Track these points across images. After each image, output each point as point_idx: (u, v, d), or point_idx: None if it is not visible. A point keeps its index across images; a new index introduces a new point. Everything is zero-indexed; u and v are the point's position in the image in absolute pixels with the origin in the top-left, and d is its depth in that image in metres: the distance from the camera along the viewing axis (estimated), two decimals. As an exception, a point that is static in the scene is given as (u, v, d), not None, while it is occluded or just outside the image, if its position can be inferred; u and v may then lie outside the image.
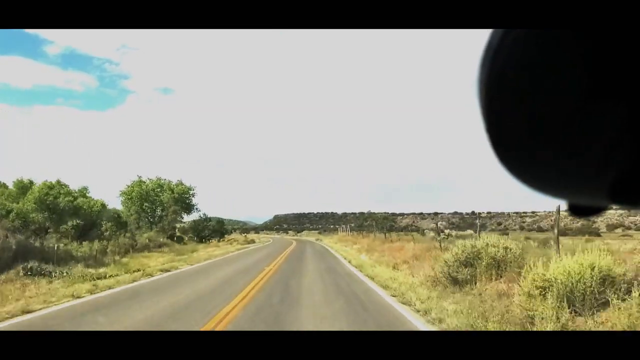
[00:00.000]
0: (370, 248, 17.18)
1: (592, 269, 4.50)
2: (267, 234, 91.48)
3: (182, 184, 32.30)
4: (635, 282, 4.30)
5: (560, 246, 6.12)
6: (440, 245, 10.61)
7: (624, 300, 4.05)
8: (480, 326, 4.24)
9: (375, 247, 17.12)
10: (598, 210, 0.38)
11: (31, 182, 17.95)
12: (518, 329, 4.21)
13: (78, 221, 16.09)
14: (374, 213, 47.33)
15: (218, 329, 4.62)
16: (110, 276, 9.12)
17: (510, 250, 6.73)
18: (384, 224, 36.37)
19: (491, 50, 0.31)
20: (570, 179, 0.35)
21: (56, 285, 7.66)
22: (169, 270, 11.26)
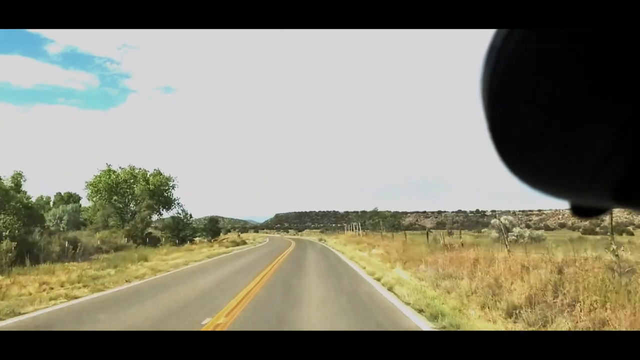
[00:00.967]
0: (406, 257, 10.57)
1: None
2: (267, 233, 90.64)
3: (160, 173, 26.90)
4: None
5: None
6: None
7: None
8: None
9: (412, 254, 10.62)
10: (601, 211, 0.39)
11: None
12: None
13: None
14: (379, 211, 43.87)
15: None
16: None
17: None
18: (391, 222, 34.14)
19: (494, 49, 0.31)
20: (573, 179, 0.35)
21: None
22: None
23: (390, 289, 7.10)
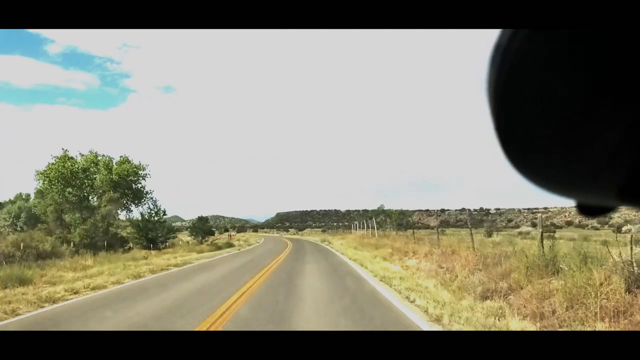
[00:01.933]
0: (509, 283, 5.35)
1: None
2: (266, 232, 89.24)
3: (127, 161, 22.23)
4: None
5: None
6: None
7: None
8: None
9: (501, 273, 5.77)
10: (606, 210, 0.40)
11: None
12: None
13: None
14: (385, 209, 40.45)
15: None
16: None
17: None
18: (399, 220, 30.57)
19: (500, 49, 0.31)
20: (578, 178, 0.35)
21: None
22: None
23: None
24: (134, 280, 9.60)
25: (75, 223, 19.27)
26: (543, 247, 6.20)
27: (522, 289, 5.49)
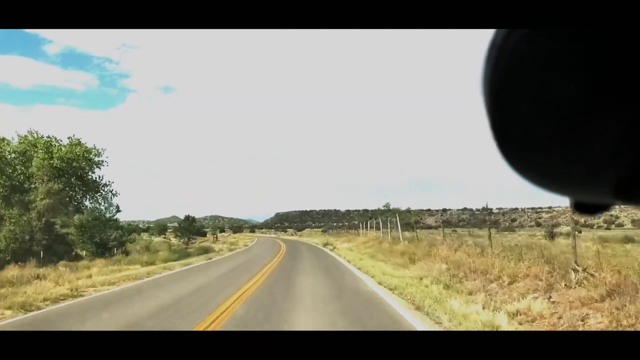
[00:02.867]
0: None
1: None
2: (263, 232, 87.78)
3: (78, 143, 17.85)
4: None
5: None
6: None
7: None
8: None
9: None
10: (603, 208, 0.41)
11: None
12: None
13: None
14: (392, 207, 36.53)
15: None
16: None
17: None
18: (407, 220, 25.78)
19: (495, 48, 0.32)
20: (575, 176, 0.36)
21: None
22: None
23: None
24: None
25: (11, 221, 15.04)
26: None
27: None
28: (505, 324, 4.76)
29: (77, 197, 18.65)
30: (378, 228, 21.87)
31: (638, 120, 0.30)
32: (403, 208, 36.95)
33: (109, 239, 17.16)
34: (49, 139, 17.96)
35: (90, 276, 10.57)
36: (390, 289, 7.20)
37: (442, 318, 5.09)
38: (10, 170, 16.83)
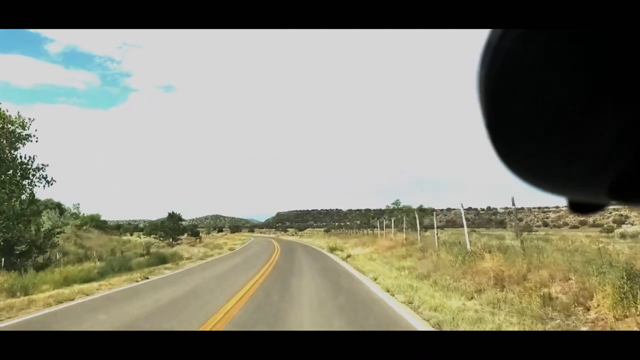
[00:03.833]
0: None
1: None
2: (262, 232, 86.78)
3: None
4: None
5: None
6: None
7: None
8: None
9: None
10: (598, 208, 0.42)
11: None
12: None
13: None
14: (402, 205, 32.91)
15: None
16: None
17: None
18: (420, 219, 21.73)
19: (490, 48, 0.33)
20: (570, 176, 0.37)
21: None
22: None
23: None
24: None
25: None
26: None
27: None
28: None
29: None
30: (383, 228, 19.54)
31: (635, 120, 0.31)
32: (414, 206, 32.42)
33: (18, 240, 11.70)
34: None
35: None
36: None
37: None
38: None
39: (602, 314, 4.77)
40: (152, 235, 30.34)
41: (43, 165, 14.32)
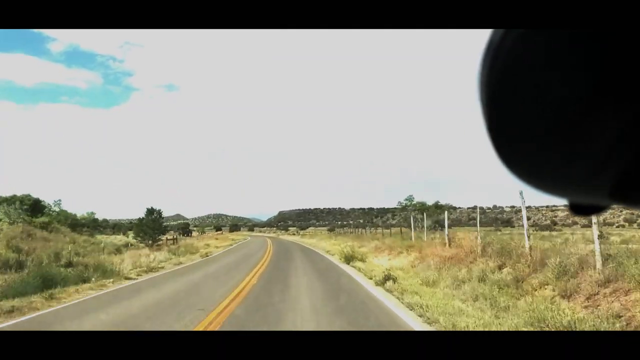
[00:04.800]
0: None
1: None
2: (261, 232, 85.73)
3: None
4: None
5: None
6: None
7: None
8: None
9: None
10: (599, 209, 0.42)
11: None
12: None
13: None
14: (416, 202, 29.10)
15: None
16: None
17: None
18: (435, 217, 20.83)
19: (492, 49, 0.33)
20: (571, 178, 0.37)
21: None
22: None
23: None
24: None
25: None
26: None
27: None
28: None
29: None
30: (389, 227, 15.94)
31: (635, 120, 0.31)
32: (428, 202, 28.98)
33: None
34: None
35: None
36: None
37: None
38: None
39: None
40: (130, 235, 25.07)
41: None
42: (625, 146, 0.32)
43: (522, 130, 0.35)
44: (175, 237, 29.87)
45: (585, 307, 5.44)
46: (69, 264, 12.05)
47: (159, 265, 13.89)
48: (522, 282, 6.55)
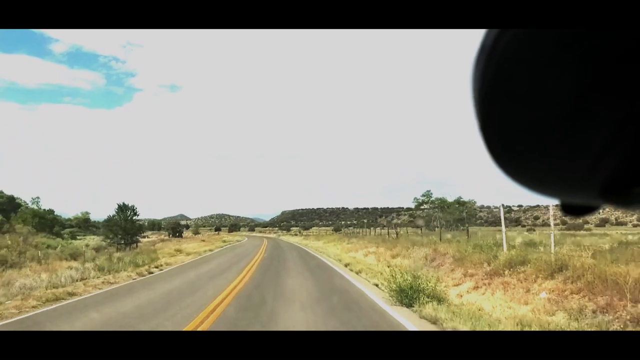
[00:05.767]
0: None
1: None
2: (262, 232, 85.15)
3: None
4: None
5: None
6: None
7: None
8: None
9: None
10: (590, 210, 0.42)
11: None
12: None
13: None
14: (435, 198, 28.65)
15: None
16: None
17: None
18: (457, 214, 17.40)
19: (485, 50, 0.34)
20: (563, 178, 0.38)
21: None
22: None
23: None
24: None
25: None
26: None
27: None
28: None
29: None
30: (395, 227, 14.40)
31: (626, 123, 0.32)
32: (449, 198, 26.36)
33: None
34: None
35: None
36: None
37: None
38: None
39: None
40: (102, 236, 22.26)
41: None
42: (616, 147, 0.33)
43: (515, 131, 0.35)
44: (162, 238, 29.04)
45: None
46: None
47: (54, 299, 7.20)
48: None
